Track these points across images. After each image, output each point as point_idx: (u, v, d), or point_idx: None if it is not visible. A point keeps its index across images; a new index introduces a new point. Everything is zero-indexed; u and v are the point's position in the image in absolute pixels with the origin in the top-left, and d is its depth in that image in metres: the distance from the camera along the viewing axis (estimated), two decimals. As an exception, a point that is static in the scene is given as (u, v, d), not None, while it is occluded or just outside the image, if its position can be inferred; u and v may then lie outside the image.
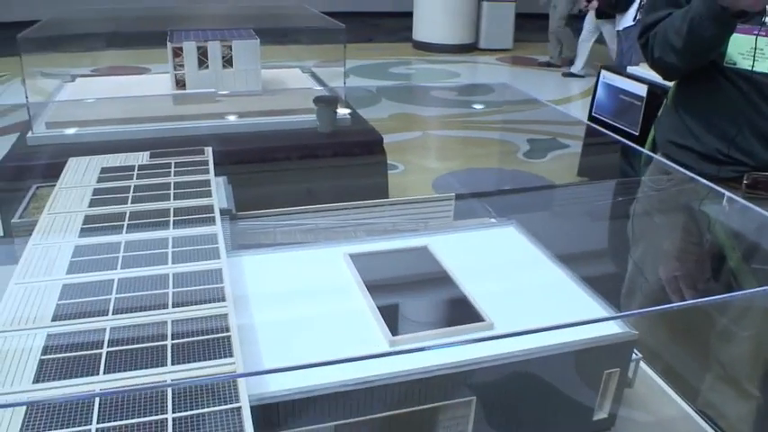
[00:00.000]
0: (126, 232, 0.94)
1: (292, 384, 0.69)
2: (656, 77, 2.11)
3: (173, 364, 0.66)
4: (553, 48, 7.33)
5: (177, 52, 2.41)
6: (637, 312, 1.08)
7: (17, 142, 2.14)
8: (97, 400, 0.61)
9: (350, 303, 0.83)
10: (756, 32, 1.31)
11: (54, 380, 0.64)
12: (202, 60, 2.46)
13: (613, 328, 0.82)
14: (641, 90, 3.20)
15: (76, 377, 0.65)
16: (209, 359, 0.67)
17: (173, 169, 1.17)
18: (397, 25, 8.85)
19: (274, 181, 1.91)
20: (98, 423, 0.59)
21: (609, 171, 2.07)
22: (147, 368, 0.66)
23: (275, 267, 0.93)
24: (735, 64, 1.34)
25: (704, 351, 1.51)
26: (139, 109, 2.32)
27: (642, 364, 1.09)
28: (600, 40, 6.41)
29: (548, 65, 7.36)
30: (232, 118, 2.30)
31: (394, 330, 0.77)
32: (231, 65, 2.47)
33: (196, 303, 0.76)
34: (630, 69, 3.38)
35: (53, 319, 0.74)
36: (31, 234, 0.93)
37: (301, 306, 0.84)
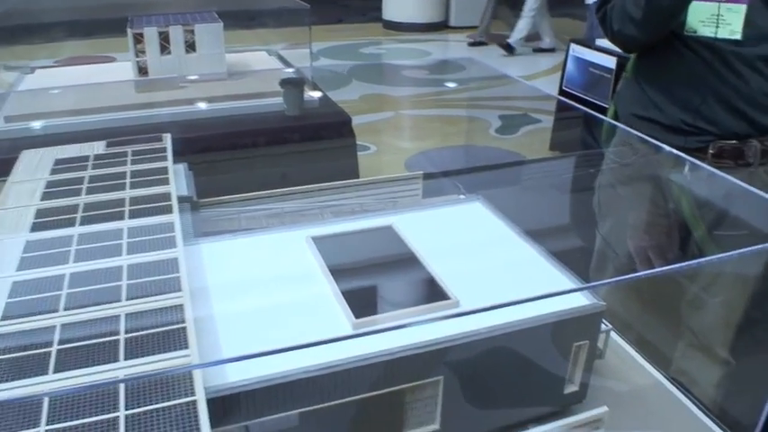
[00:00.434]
0: (79, 225, 0.91)
1: (253, 374, 0.67)
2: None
3: (126, 359, 0.64)
4: (480, 22, 7.01)
5: (138, 38, 2.35)
6: (604, 282, 1.08)
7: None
8: (46, 400, 0.59)
9: (312, 288, 0.81)
10: None
11: (1, 381, 0.61)
12: (164, 46, 2.40)
13: (581, 300, 0.81)
14: (611, 62, 3.19)
15: (25, 377, 0.62)
16: (164, 352, 0.64)
17: (129, 158, 1.13)
18: (366, 5, 8.76)
19: (241, 167, 1.88)
20: (47, 425, 0.56)
21: (580, 145, 2.06)
22: (98, 365, 0.63)
23: (235, 254, 0.90)
24: (695, 32, 1.32)
25: (675, 320, 1.51)
26: (101, 98, 2.26)
27: (613, 335, 1.08)
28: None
29: (479, 43, 7.12)
30: (196, 104, 2.25)
31: (357, 313, 0.75)
32: (194, 50, 2.42)
33: (151, 295, 0.74)
34: (599, 42, 3.37)
35: (2, 319, 0.71)
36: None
37: (262, 293, 0.81)
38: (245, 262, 0.88)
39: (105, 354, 0.64)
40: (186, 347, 0.65)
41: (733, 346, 1.50)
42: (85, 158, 1.14)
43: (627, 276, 0.82)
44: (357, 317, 0.75)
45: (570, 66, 3.51)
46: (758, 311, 1.45)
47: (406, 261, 0.86)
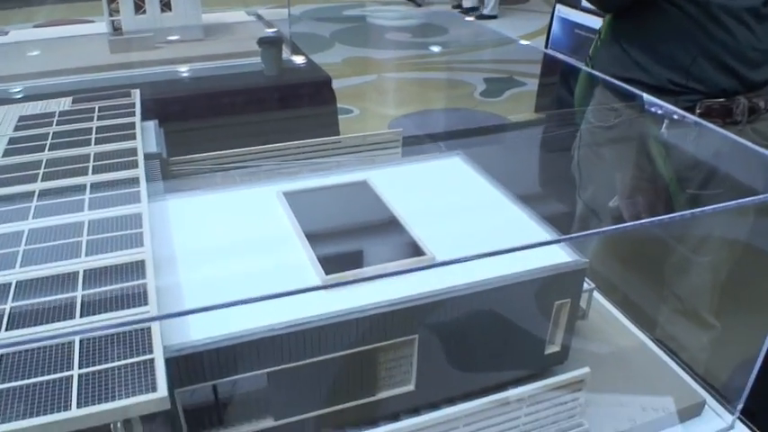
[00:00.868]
0: (41, 181, 0.87)
1: (218, 332, 0.64)
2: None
3: (82, 316, 0.60)
4: None
5: (112, -3, 2.28)
6: (584, 234, 1.05)
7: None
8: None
9: (282, 244, 0.78)
10: None
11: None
12: (139, 5, 2.33)
13: (563, 257, 0.79)
14: (597, 23, 3.14)
15: (-24, 336, 0.59)
16: (123, 309, 0.61)
17: (96, 114, 1.09)
18: (349, -33, 8.59)
19: (217, 128, 1.82)
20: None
21: (565, 106, 2.03)
22: (54, 322, 0.60)
23: (203, 210, 0.87)
24: None
25: (661, 282, 1.50)
26: (74, 59, 2.19)
27: (598, 297, 1.06)
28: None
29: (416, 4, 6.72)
30: (172, 64, 2.18)
31: (328, 269, 0.72)
32: (170, 9, 2.35)
33: (111, 251, 0.70)
34: (585, 2, 3.32)
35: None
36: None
37: (229, 249, 0.78)
38: (212, 218, 0.85)
39: (61, 311, 0.61)
40: (146, 304, 0.62)
41: (719, 309, 1.50)
42: (51, 115, 1.09)
43: (607, 228, 0.79)
44: (327, 273, 0.72)
45: (556, 27, 3.45)
46: (745, 273, 1.43)
47: (381, 216, 0.83)
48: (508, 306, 0.76)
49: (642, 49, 1.34)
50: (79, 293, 0.63)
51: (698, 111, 1.32)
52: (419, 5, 6.36)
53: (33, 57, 2.34)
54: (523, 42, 4.70)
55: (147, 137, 1.08)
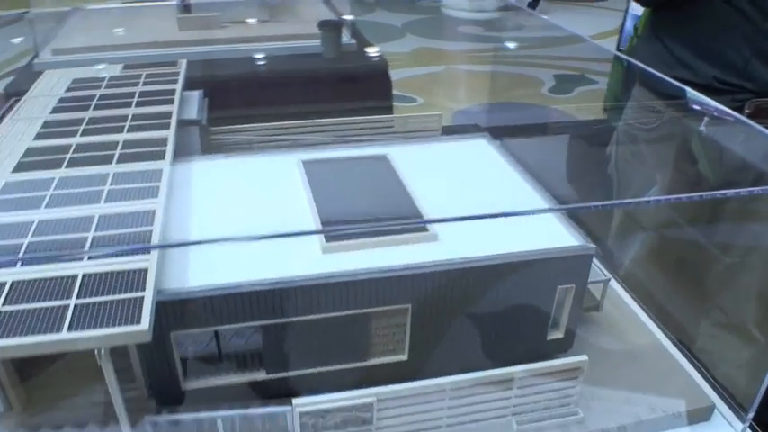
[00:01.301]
0: (79, 136, 0.92)
1: (216, 281, 0.67)
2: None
3: (92, 258, 0.65)
4: None
5: (185, -24, 2.37)
6: (581, 206, 1.02)
7: (24, 68, 2.14)
8: (9, 282, 0.61)
9: (291, 209, 0.81)
10: None
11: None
12: (210, -16, 2.41)
13: (569, 240, 0.78)
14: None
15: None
16: (127, 255, 0.65)
17: (142, 80, 1.14)
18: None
19: (269, 104, 1.87)
20: (3, 305, 0.58)
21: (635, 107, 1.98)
22: (61, 261, 0.65)
23: (225, 172, 0.91)
24: None
25: (696, 289, 1.44)
26: (144, 35, 2.28)
27: (618, 291, 1.05)
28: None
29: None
30: (234, 43, 2.24)
31: (329, 236, 0.75)
32: (240, -11, 2.42)
33: (128, 200, 0.75)
34: None
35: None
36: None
37: (241, 209, 0.81)
38: (231, 179, 0.89)
39: (69, 247, 0.66)
40: (148, 252, 0.66)
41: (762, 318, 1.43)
42: (101, 79, 1.15)
43: (618, 202, 0.76)
44: (328, 240, 0.74)
45: (629, 25, 3.36)
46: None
47: (394, 190, 0.85)
48: (507, 285, 0.76)
49: (687, 46, 1.29)
50: (91, 234, 0.68)
51: (746, 111, 1.27)
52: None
53: (106, 32, 2.45)
54: (595, 41, 4.58)
55: (190, 104, 1.13)
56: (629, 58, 1.38)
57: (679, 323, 1.21)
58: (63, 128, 0.95)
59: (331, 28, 2.17)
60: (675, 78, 1.31)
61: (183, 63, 1.21)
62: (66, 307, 0.58)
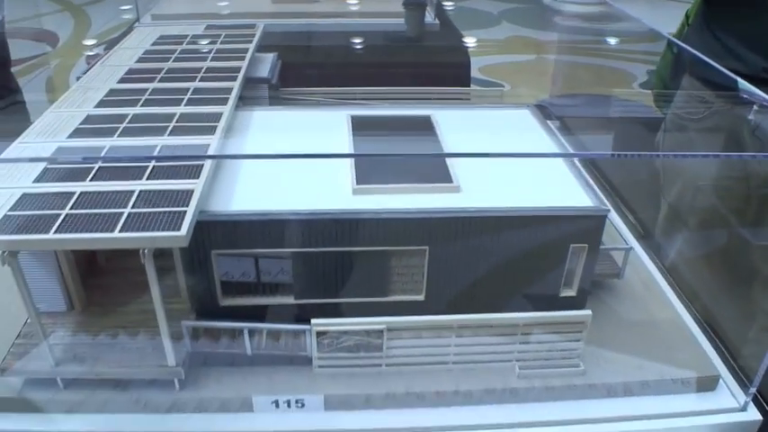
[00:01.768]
0: (157, 82, 1.04)
1: (256, 207, 0.76)
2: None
3: (148, 178, 0.75)
4: None
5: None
6: (592, 154, 1.02)
7: (125, 30, 2.32)
8: (78, 191, 0.72)
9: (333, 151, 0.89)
10: None
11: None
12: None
13: (584, 201, 0.82)
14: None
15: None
16: (178, 178, 0.75)
17: (221, 39, 1.25)
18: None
19: (347, 76, 1.96)
20: (71, 209, 0.69)
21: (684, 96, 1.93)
22: (124, 179, 0.75)
23: (281, 121, 1.00)
24: None
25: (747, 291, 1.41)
26: (239, 6, 2.42)
27: (646, 262, 1.07)
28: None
29: None
30: (323, 18, 2.35)
31: (362, 180, 0.82)
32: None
33: (189, 135, 0.85)
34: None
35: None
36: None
37: (290, 149, 0.90)
38: (285, 128, 0.98)
39: (130, 173, 0.76)
40: (198, 177, 0.76)
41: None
42: (184, 36, 1.27)
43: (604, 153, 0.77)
44: (358, 183, 0.81)
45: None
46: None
47: (428, 145, 0.91)
48: (521, 238, 0.81)
49: (738, 38, 1.27)
50: (152, 164, 0.78)
51: None
52: None
53: (206, 1, 2.60)
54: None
55: (263, 64, 1.23)
56: (682, 44, 1.36)
57: (704, 302, 1.19)
58: (143, 75, 1.06)
59: (414, 7, 2.23)
60: (727, 70, 1.29)
61: (260, 26, 1.32)
62: (121, 214, 0.68)
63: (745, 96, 1.12)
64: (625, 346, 0.87)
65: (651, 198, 1.51)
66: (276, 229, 0.76)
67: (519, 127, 1.02)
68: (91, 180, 0.75)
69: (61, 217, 0.67)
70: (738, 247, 1.31)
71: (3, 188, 0.73)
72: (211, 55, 1.15)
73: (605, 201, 0.84)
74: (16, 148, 0.82)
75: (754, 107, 1.11)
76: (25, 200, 0.70)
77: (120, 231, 0.65)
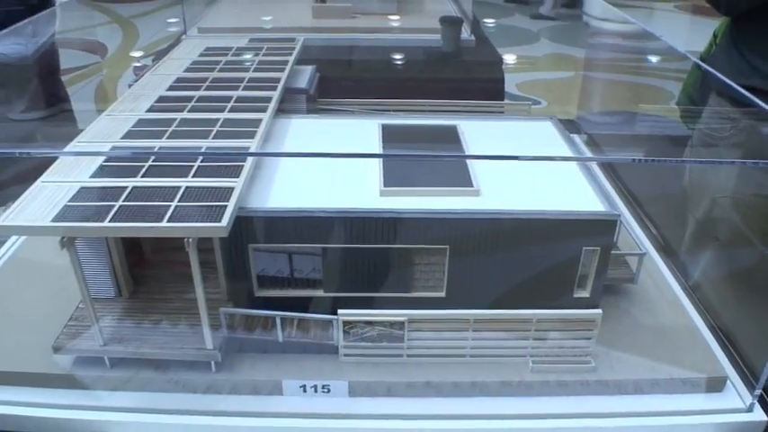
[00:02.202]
0: (203, 90, 1.12)
1: (291, 205, 0.83)
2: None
3: (194, 176, 0.83)
4: None
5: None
6: (615, 159, 1.06)
7: (173, 43, 2.43)
8: (130, 186, 0.80)
9: (364, 159, 0.95)
10: None
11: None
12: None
13: (596, 206, 0.87)
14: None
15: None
16: (220, 177, 0.83)
17: (263, 51, 1.33)
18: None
19: (383, 90, 2.03)
20: (123, 201, 0.77)
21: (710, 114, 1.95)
22: (172, 177, 0.83)
23: (316, 128, 1.07)
24: None
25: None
26: (281, 20, 2.52)
27: (662, 268, 1.11)
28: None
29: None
30: (360, 33, 2.43)
31: (389, 182, 0.88)
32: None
33: (231, 139, 0.92)
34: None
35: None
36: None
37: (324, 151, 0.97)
38: (319, 134, 1.05)
39: (177, 170, 0.84)
40: (238, 176, 0.83)
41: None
42: (229, 48, 1.36)
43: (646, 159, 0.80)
44: (385, 185, 0.88)
45: None
46: None
47: (452, 152, 0.97)
48: (537, 240, 0.86)
49: (765, 57, 1.30)
50: (197, 164, 0.86)
51: None
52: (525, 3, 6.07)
53: (248, 15, 2.71)
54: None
55: (302, 76, 1.31)
56: (708, 68, 1.40)
57: (716, 308, 1.20)
58: (190, 83, 1.15)
59: (451, 24, 2.30)
60: (748, 87, 1.32)
61: (300, 40, 1.39)
62: (168, 206, 0.75)
63: None
64: (637, 347, 0.91)
65: (673, 211, 1.54)
66: (308, 226, 0.83)
67: (540, 137, 1.07)
68: (142, 177, 0.82)
69: (115, 208, 0.75)
70: (757, 259, 1.33)
71: (63, 182, 0.81)
72: (254, 66, 1.23)
73: (618, 207, 0.89)
74: (75, 147, 0.91)
75: None
76: (83, 193, 0.78)
77: (168, 222, 0.72)
